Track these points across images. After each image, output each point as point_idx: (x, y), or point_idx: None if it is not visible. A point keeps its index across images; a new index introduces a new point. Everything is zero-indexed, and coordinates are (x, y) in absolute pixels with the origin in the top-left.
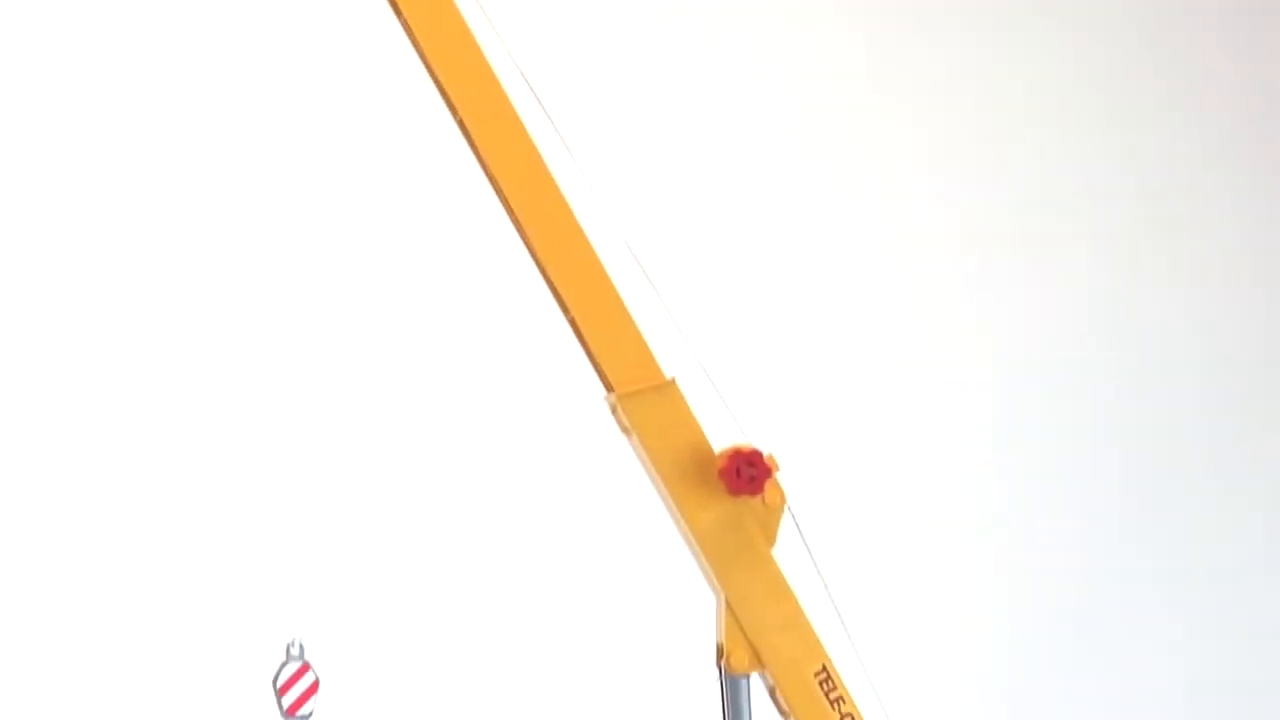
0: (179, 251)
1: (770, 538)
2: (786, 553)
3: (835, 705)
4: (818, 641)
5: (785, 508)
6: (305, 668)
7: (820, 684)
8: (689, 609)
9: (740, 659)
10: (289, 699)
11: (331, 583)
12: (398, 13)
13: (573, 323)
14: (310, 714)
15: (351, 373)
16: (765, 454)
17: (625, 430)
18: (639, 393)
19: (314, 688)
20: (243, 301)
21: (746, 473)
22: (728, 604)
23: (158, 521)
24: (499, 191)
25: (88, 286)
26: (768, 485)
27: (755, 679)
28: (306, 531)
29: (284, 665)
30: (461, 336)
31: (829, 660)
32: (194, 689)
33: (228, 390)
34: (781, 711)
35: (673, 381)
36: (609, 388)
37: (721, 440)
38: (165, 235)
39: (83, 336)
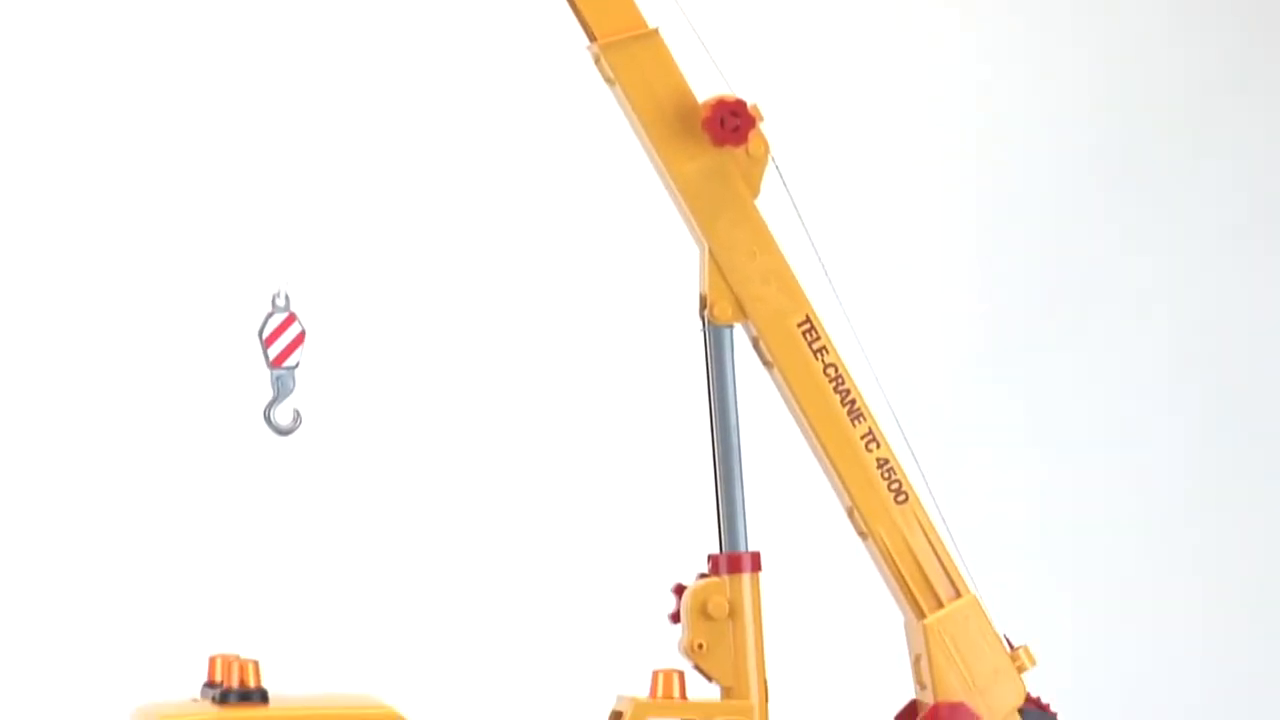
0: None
1: (754, 188)
2: (770, 205)
3: (818, 355)
4: (801, 292)
5: (769, 158)
6: (291, 319)
7: (803, 335)
8: None
9: (723, 310)
10: (275, 350)
11: (317, 230)
12: None
13: None
14: (296, 365)
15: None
16: (749, 104)
17: (609, 81)
18: (621, 42)
19: (300, 339)
20: None
21: (730, 123)
22: (711, 255)
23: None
24: None
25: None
26: (751, 135)
27: (738, 329)
28: (289, 179)
29: (270, 316)
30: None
31: (812, 311)
32: (179, 341)
33: None
34: (764, 362)
35: (655, 31)
36: (592, 37)
37: (705, 92)
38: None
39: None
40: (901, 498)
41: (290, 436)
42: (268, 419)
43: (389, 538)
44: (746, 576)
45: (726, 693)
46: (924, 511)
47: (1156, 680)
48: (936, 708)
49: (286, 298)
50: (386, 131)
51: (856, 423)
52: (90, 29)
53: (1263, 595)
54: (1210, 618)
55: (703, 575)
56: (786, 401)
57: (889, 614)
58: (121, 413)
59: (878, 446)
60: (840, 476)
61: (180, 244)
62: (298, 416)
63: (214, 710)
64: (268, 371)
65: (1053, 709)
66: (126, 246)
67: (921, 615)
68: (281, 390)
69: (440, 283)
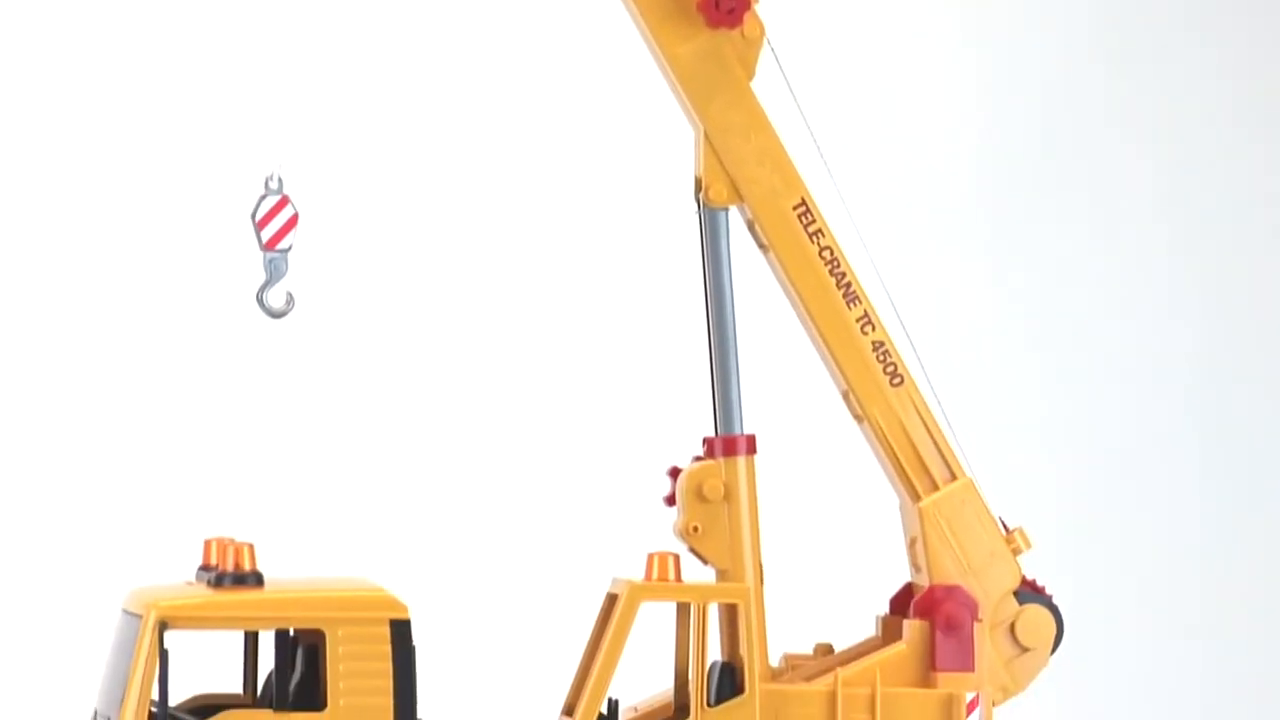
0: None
1: (749, 70)
2: (765, 88)
3: (814, 238)
4: (796, 174)
5: (764, 40)
6: (284, 201)
7: (799, 217)
8: None
9: (719, 192)
10: (268, 233)
11: (310, 112)
12: None
13: None
14: (290, 248)
15: None
16: None
17: None
18: None
19: (293, 221)
20: None
21: (726, 4)
22: (706, 137)
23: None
24: None
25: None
26: (747, 17)
27: (734, 213)
28: (282, 61)
29: (263, 199)
30: None
31: (808, 193)
32: (171, 223)
33: None
34: (760, 245)
35: None
36: None
37: None
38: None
39: None
40: (897, 380)
41: (283, 319)
42: (260, 302)
43: (382, 421)
44: (742, 459)
45: (721, 575)
46: (919, 394)
47: (1156, 558)
48: (932, 590)
49: (280, 180)
50: (380, 17)
51: (852, 305)
52: None
53: (1267, 463)
54: (1209, 496)
55: (698, 458)
56: (782, 284)
57: (885, 497)
58: (115, 296)
59: (873, 329)
60: (836, 359)
61: (174, 127)
62: (290, 299)
63: (209, 593)
64: (261, 254)
65: (1048, 591)
66: (119, 131)
67: (917, 498)
68: (274, 273)
69: (435, 164)
